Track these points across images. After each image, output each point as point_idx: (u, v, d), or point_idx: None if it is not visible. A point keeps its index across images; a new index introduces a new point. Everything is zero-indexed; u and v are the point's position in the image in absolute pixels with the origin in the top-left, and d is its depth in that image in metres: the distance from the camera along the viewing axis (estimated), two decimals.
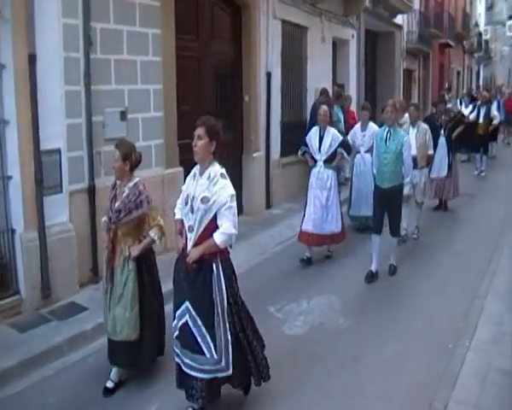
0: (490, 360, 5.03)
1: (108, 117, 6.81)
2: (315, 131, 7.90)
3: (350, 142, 8.80)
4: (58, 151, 6.14)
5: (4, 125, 5.73)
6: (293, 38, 11.64)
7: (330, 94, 12.10)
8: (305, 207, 7.92)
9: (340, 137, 7.92)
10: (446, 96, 22.24)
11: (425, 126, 8.95)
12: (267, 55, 10.28)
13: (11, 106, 5.72)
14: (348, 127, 11.55)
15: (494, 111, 15.52)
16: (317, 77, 12.39)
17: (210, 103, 9.01)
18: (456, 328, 5.77)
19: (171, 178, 7.75)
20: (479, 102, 15.62)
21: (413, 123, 8.94)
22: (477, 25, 38.80)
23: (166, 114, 7.71)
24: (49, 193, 6.02)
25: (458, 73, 34.67)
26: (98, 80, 6.60)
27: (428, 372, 4.97)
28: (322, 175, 7.80)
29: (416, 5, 21.25)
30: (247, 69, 9.95)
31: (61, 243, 6.11)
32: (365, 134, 9.20)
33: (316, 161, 7.87)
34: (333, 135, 7.78)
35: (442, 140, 10.48)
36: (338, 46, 14.51)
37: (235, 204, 4.15)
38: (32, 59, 5.77)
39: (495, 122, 15.31)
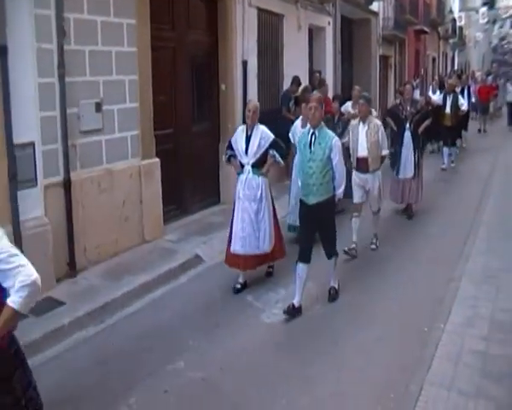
0: (464, 343, 5.12)
1: (83, 109, 6.70)
2: (241, 130, 6.64)
3: (291, 139, 8.05)
4: (32, 145, 6.02)
5: None
6: (270, 26, 11.58)
7: (307, 82, 12.10)
8: (232, 222, 6.62)
9: (271, 137, 6.52)
10: (414, 83, 22.25)
11: (377, 122, 7.73)
12: (243, 43, 10.20)
13: None
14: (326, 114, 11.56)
15: (461, 99, 14.24)
16: (294, 64, 12.34)
17: (186, 93, 8.95)
18: (431, 311, 5.86)
19: (148, 169, 7.69)
20: (445, 91, 14.56)
21: (363, 118, 7.68)
22: (451, 11, 38.94)
23: (142, 105, 7.62)
24: (24, 187, 5.91)
25: (434, 59, 34.84)
26: (72, 72, 6.49)
27: (404, 356, 5.06)
28: (250, 183, 6.46)
29: None
30: (224, 58, 9.88)
31: (36, 238, 6.01)
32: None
33: (243, 166, 6.56)
34: (262, 134, 6.46)
35: (408, 135, 9.30)
36: (314, 33, 14.45)
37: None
38: (3, 50, 5.64)
39: (463, 109, 14.08)
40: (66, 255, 6.53)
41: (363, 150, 7.56)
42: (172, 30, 8.63)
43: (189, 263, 7.25)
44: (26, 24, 5.94)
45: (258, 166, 6.47)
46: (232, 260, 6.56)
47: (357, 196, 7.66)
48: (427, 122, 9.46)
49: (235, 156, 6.64)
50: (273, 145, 6.49)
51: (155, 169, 7.81)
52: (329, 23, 14.86)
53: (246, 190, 6.46)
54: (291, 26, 12.37)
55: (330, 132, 5.92)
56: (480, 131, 20.27)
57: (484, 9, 51.35)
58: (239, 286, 6.53)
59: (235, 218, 6.55)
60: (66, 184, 6.45)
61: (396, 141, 9.46)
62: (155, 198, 7.85)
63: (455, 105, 13.72)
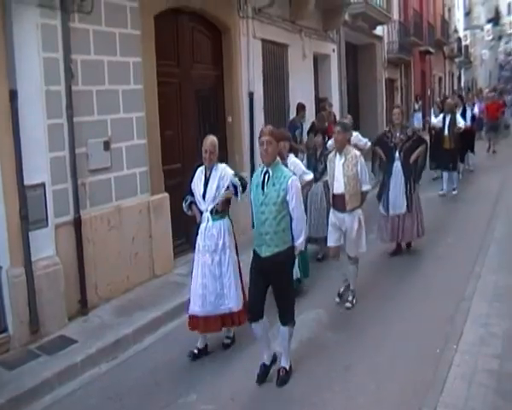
0: (477, 362, 5.11)
1: (92, 148, 6.81)
2: (200, 172, 5.84)
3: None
4: (42, 185, 6.13)
5: None
6: (274, 56, 11.73)
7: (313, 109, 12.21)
8: (191, 279, 5.89)
9: (230, 173, 5.75)
10: (416, 106, 22.18)
11: (355, 153, 6.66)
12: (248, 74, 10.34)
13: None
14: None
15: (459, 119, 13.23)
16: (300, 92, 12.47)
17: (193, 127, 9.06)
18: (443, 331, 5.86)
19: (158, 204, 7.78)
20: (444, 111, 13.59)
21: (339, 149, 6.65)
22: (456, 30, 39.29)
23: (150, 141, 7.74)
24: (35, 227, 6.01)
25: (440, 79, 35.05)
26: (80, 112, 6.62)
27: (417, 378, 5.05)
28: (210, 232, 5.69)
29: (395, 16, 21.49)
30: (229, 90, 10.01)
31: (48, 277, 6.10)
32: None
33: (202, 214, 5.80)
34: (221, 173, 5.70)
35: (397, 166, 8.31)
36: (319, 61, 14.62)
37: None
38: (13, 94, 5.77)
39: (459, 126, 12.96)
40: (78, 293, 6.58)
41: (339, 186, 6.61)
42: (177, 66, 8.76)
43: None
44: (34, 67, 6.10)
45: (218, 212, 5.72)
46: (191, 322, 5.78)
47: (331, 239, 6.80)
48: (420, 149, 8.37)
49: (195, 203, 5.88)
50: (233, 181, 5.69)
51: (165, 204, 7.89)
52: (334, 50, 15.03)
53: (206, 241, 5.70)
54: (296, 55, 12.52)
55: (287, 171, 5.03)
56: (488, 150, 19.24)
57: (489, 26, 51.67)
58: (195, 352, 5.75)
59: (193, 274, 5.79)
60: (77, 223, 6.54)
61: (385, 172, 8.51)
62: (165, 233, 7.92)
63: (453, 126, 12.91)
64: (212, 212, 5.69)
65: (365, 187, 6.73)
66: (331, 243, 6.78)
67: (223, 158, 9.86)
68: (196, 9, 8.91)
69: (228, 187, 5.68)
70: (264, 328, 5.13)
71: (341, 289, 7.04)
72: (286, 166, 6.49)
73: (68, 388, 5.37)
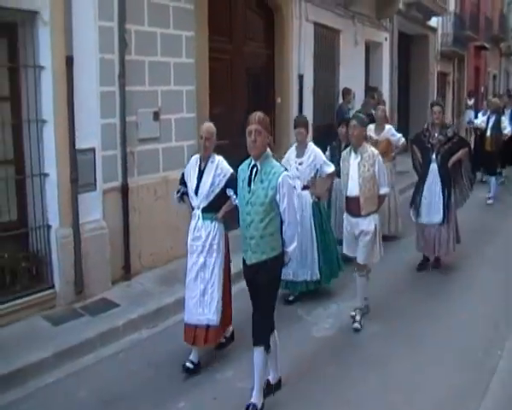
0: None
1: (142, 117, 6.92)
2: (194, 161, 5.22)
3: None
4: (93, 150, 6.27)
5: (42, 124, 5.86)
6: (326, 41, 11.65)
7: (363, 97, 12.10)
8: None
9: (229, 171, 5.07)
10: (469, 102, 21.29)
11: (373, 152, 5.85)
12: (299, 57, 10.31)
13: (49, 106, 5.85)
14: None
15: (504, 122, 12.16)
16: (350, 79, 12.36)
17: (242, 105, 9.06)
18: (486, 336, 5.67)
19: None
20: (489, 112, 12.59)
21: (355, 146, 5.86)
22: None
23: (199, 116, 7.76)
24: (84, 191, 6.15)
25: (494, 77, 34.07)
26: (132, 81, 6.73)
27: (458, 381, 4.86)
28: (199, 232, 5.08)
29: (451, 7, 20.98)
30: (280, 71, 10.00)
31: (94, 240, 6.23)
32: (302, 161, 6.46)
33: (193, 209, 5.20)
34: (217, 168, 5.05)
35: (433, 169, 7.35)
36: (371, 49, 14.47)
37: None
38: (70, 61, 5.91)
39: (505, 132, 12.03)
40: (122, 259, 6.71)
41: (353, 188, 5.83)
42: (230, 42, 8.81)
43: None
44: (90, 35, 6.23)
45: (211, 210, 5.07)
46: (186, 332, 5.12)
47: (347, 247, 6.06)
48: (461, 152, 7.35)
49: (186, 194, 5.30)
50: (232, 183, 4.88)
51: None
52: (386, 39, 14.83)
53: (195, 241, 5.11)
54: (348, 42, 12.41)
55: (277, 166, 4.22)
56: None
57: None
58: (190, 366, 5.00)
59: (187, 277, 5.18)
60: (124, 190, 6.66)
61: (419, 174, 7.68)
62: None
63: (496, 127, 11.98)
64: (204, 210, 5.06)
65: (383, 190, 5.92)
66: (347, 251, 6.05)
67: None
68: None
69: (225, 189, 5.02)
70: (262, 359, 4.34)
71: (354, 312, 6.03)
72: (302, 152, 6.44)
73: (110, 349, 5.47)
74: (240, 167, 4.42)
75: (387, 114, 13.11)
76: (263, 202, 4.13)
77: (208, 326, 5.01)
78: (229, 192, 4.97)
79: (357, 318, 5.92)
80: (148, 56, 6.99)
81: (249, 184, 4.22)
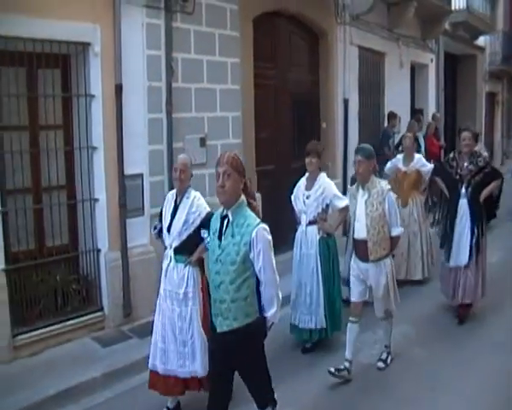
0: None
1: (188, 143, 7.01)
2: (170, 196, 4.84)
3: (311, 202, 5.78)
4: (141, 176, 6.41)
5: (92, 151, 6.04)
6: (371, 64, 11.61)
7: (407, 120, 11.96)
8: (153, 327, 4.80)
9: (205, 210, 4.63)
10: None
11: (382, 187, 5.14)
12: (344, 81, 10.29)
13: (99, 133, 6.03)
14: (430, 155, 11.33)
15: None
16: (396, 102, 12.24)
17: (287, 130, 9.12)
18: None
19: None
20: None
21: (362, 182, 5.20)
22: None
23: (245, 141, 7.86)
24: (132, 215, 6.28)
25: None
26: (179, 108, 6.84)
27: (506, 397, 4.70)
28: (171, 274, 4.61)
29: (500, 25, 20.60)
30: (325, 96, 10.02)
31: (142, 264, 6.33)
32: (310, 194, 5.78)
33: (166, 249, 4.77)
34: (192, 205, 4.62)
35: (463, 205, 6.42)
36: (416, 70, 14.33)
37: None
38: (119, 89, 6.09)
39: None
40: None
41: (360, 229, 5.19)
42: (274, 68, 8.88)
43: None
44: (139, 64, 6.41)
45: (184, 252, 4.59)
46: (151, 379, 4.68)
47: (355, 293, 5.37)
48: (493, 185, 6.48)
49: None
50: (207, 223, 3.90)
51: (257, 204, 7.97)
52: (432, 60, 14.66)
53: (167, 284, 4.64)
54: (393, 64, 12.33)
55: (252, 217, 3.43)
56: None
57: None
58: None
59: (155, 320, 4.72)
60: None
61: (448, 212, 6.67)
62: None
63: None
64: (176, 251, 4.60)
65: (395, 231, 5.22)
66: (353, 297, 5.37)
67: None
68: (294, 13, 8.99)
69: (199, 229, 4.39)
70: None
71: (345, 365, 5.23)
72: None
73: None
74: (213, 217, 3.69)
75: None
76: (234, 261, 3.40)
77: (193, 378, 4.59)
78: (204, 234, 4.00)
79: (384, 356, 5.58)
80: (195, 83, 7.10)
81: (219, 238, 3.49)
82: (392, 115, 11.36)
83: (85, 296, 6.07)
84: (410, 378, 5.28)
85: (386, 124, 11.72)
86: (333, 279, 5.84)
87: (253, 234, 3.35)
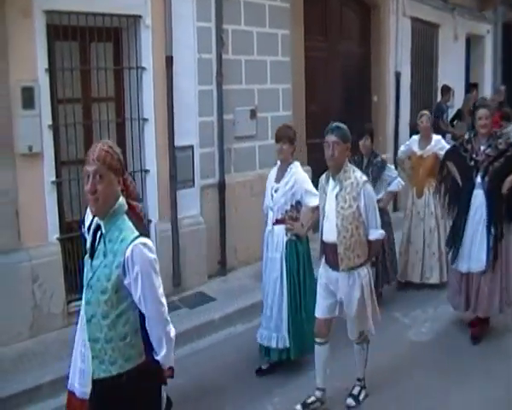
0: None
1: (239, 115, 6.93)
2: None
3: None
4: (191, 147, 6.35)
5: (143, 123, 6.00)
6: (424, 36, 11.14)
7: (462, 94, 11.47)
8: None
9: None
10: None
11: (357, 179, 4.03)
12: (396, 54, 9.92)
13: (150, 105, 5.99)
14: None
15: None
16: (449, 76, 11.74)
17: (338, 103, 8.88)
18: None
19: None
20: None
21: (332, 170, 4.09)
22: None
23: (295, 114, 7.70)
24: (182, 187, 6.25)
25: None
26: (229, 80, 6.75)
27: None
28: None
29: None
30: (376, 68, 9.70)
31: (192, 235, 6.30)
32: (278, 188, 4.78)
33: None
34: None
35: (478, 196, 5.21)
36: (472, 42, 13.72)
37: None
38: (169, 61, 6.03)
39: None
40: (218, 254, 6.75)
41: (329, 230, 4.11)
42: (325, 40, 8.64)
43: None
44: (189, 36, 6.33)
45: None
46: (68, 401, 3.75)
47: (320, 307, 4.27)
48: None
49: None
50: None
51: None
52: (489, 31, 14.01)
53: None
54: (447, 36, 11.82)
55: (129, 228, 2.58)
56: None
57: None
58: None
59: (76, 338, 3.74)
60: (221, 186, 6.69)
61: (459, 204, 5.46)
62: None
63: None
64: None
65: (374, 234, 4.11)
66: (318, 312, 4.27)
67: None
68: None
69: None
70: None
71: (310, 399, 4.35)
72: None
73: (205, 342, 5.51)
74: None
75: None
76: (104, 289, 2.56)
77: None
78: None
79: (355, 391, 4.45)
80: (245, 55, 6.99)
81: (91, 256, 2.67)
82: (445, 89, 10.92)
83: None
84: None
85: (439, 98, 11.30)
86: (302, 290, 4.72)
87: (128, 252, 2.51)
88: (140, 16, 5.86)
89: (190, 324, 5.56)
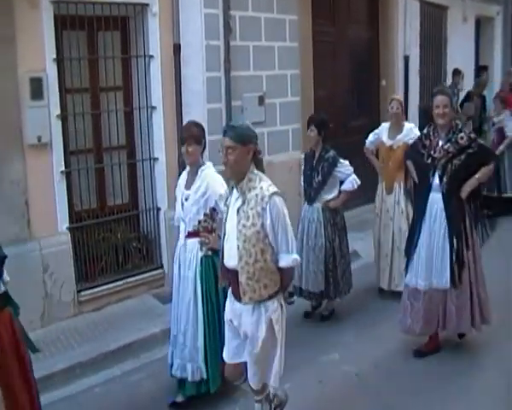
0: None
1: (247, 102, 6.81)
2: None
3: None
4: None
5: (152, 111, 5.90)
6: (433, 19, 10.89)
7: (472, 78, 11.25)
8: None
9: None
10: None
11: (263, 190, 3.10)
12: (405, 37, 9.70)
13: (158, 93, 5.90)
14: None
15: None
16: (458, 58, 11.51)
17: (346, 88, 8.73)
18: None
19: None
20: None
21: (235, 179, 3.24)
22: None
23: (303, 99, 7.57)
24: None
25: None
26: (237, 66, 6.63)
27: None
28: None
29: None
30: (384, 53, 9.50)
31: None
32: (189, 195, 4.05)
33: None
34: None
35: (435, 200, 4.42)
36: (481, 25, 13.44)
37: None
38: (177, 48, 5.93)
39: None
40: None
41: (229, 253, 3.24)
42: (333, 25, 8.45)
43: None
44: (196, 23, 6.20)
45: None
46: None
47: (227, 349, 3.48)
48: (482, 172, 4.39)
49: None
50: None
51: None
52: (498, 13, 13.71)
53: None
54: (456, 18, 11.56)
55: None
56: None
57: None
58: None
59: None
60: None
61: (415, 209, 4.83)
62: None
63: None
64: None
65: (284, 260, 3.15)
66: (225, 355, 3.48)
67: (373, 122, 9.52)
68: None
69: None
70: None
71: None
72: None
73: None
74: None
75: None
76: None
77: None
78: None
79: None
80: (253, 41, 6.85)
81: None
82: (455, 72, 10.71)
83: (145, 254, 6.00)
84: None
85: (448, 81, 11.08)
86: (221, 313, 3.75)
87: None
88: (147, 4, 5.75)
89: None
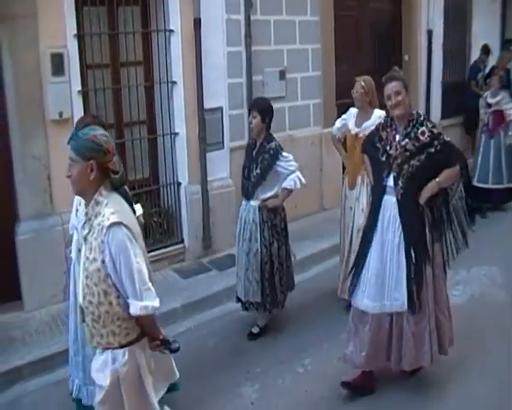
0: None
1: (268, 76, 6.67)
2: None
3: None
4: (220, 109, 6.14)
5: (172, 85, 5.80)
6: None
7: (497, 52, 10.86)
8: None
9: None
10: None
11: (104, 218, 2.45)
12: (428, 11, 9.36)
13: (178, 68, 5.80)
14: None
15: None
16: (484, 33, 11.09)
17: (368, 63, 8.45)
18: None
19: (329, 138, 7.44)
20: None
21: (79, 193, 2.72)
22: None
23: (324, 74, 7.38)
24: (212, 149, 6.06)
25: None
26: (258, 41, 6.49)
27: None
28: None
29: None
30: (407, 27, 9.18)
31: (221, 198, 6.13)
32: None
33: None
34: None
35: (389, 203, 3.63)
36: None
37: None
38: (197, 23, 5.78)
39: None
40: None
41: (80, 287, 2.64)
42: None
43: None
44: None
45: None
46: None
47: None
48: (446, 175, 3.59)
49: None
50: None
51: None
52: None
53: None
54: None
55: None
56: None
57: None
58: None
59: None
60: None
61: (369, 212, 3.98)
62: (336, 167, 7.51)
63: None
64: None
65: (133, 307, 2.49)
66: None
67: None
68: None
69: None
70: None
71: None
72: None
73: (235, 304, 5.28)
74: None
75: None
76: None
77: None
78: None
79: None
80: (274, 15, 6.68)
81: None
82: (485, 50, 10.33)
83: (166, 229, 5.95)
84: None
85: (472, 56, 10.73)
86: None
87: None
88: None
89: (220, 286, 5.43)
